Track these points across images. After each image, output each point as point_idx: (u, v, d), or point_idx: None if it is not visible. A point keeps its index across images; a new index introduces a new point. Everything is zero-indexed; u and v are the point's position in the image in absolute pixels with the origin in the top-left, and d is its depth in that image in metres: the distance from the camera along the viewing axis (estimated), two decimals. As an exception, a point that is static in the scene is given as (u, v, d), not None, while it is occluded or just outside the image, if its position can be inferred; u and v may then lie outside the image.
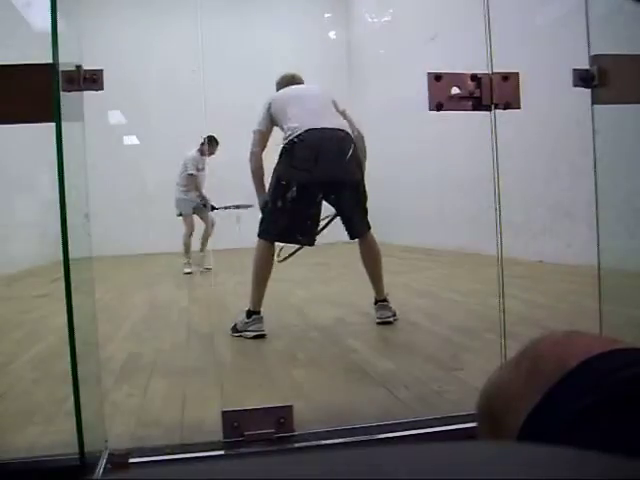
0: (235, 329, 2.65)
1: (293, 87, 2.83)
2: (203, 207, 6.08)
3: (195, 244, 6.18)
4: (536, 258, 5.07)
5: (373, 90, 8.91)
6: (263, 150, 2.79)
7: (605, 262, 1.34)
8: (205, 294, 4.52)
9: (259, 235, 2.68)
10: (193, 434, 1.45)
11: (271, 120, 2.77)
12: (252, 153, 2.79)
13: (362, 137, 2.80)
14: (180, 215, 6.15)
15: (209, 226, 6.20)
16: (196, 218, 6.23)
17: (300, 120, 2.63)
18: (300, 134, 2.59)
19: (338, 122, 2.70)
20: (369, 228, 2.77)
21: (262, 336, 2.58)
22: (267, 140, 2.80)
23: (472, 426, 0.59)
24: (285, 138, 2.65)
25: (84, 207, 1.32)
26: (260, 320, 2.60)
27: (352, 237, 2.82)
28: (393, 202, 7.96)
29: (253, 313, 2.61)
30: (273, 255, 2.70)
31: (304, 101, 2.73)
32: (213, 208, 6.16)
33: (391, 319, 2.75)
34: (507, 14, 3.81)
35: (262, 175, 2.80)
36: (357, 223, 2.77)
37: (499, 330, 1.38)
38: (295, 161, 2.60)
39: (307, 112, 2.67)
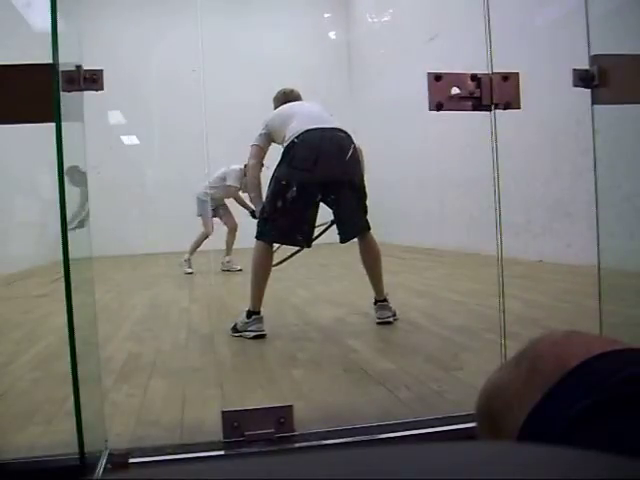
0: (235, 329, 2.66)
1: (290, 104, 2.83)
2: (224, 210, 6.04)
3: (207, 245, 6.07)
4: (536, 258, 5.07)
5: (373, 90, 8.91)
6: (260, 163, 2.83)
7: (605, 262, 1.34)
8: (205, 294, 4.52)
9: (257, 236, 2.68)
10: (193, 434, 1.45)
11: (268, 139, 2.80)
12: (249, 165, 2.84)
13: (361, 151, 2.81)
14: (200, 215, 6.05)
15: (231, 229, 6.13)
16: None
17: (300, 123, 2.64)
18: (300, 134, 2.60)
19: (338, 123, 2.71)
20: (369, 228, 2.77)
21: (262, 336, 2.58)
22: (265, 154, 2.84)
23: (472, 426, 0.59)
24: (285, 141, 2.66)
25: (82, 212, 1.32)
26: (260, 320, 2.60)
27: (345, 239, 2.81)
28: (393, 202, 7.97)
29: (253, 313, 2.62)
30: (272, 256, 2.70)
31: (302, 110, 2.75)
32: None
33: (391, 319, 2.75)
34: (507, 14, 3.81)
35: (259, 186, 2.83)
36: (357, 222, 2.77)
37: (499, 330, 1.38)
38: (295, 161, 2.60)
39: (306, 116, 2.69)
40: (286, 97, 2.92)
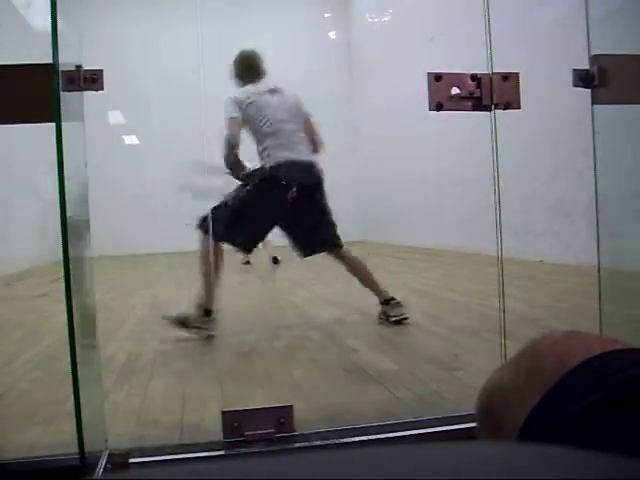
0: (181, 322, 2.63)
1: (264, 96, 2.78)
2: None
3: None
4: (536, 258, 5.07)
5: (373, 90, 8.91)
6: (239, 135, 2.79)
7: (605, 262, 1.34)
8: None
9: (205, 231, 2.66)
10: (193, 434, 1.45)
11: (240, 124, 2.76)
12: (229, 134, 2.75)
13: (322, 143, 2.84)
14: None
15: None
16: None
17: (274, 149, 2.71)
18: (273, 165, 2.68)
19: (309, 153, 2.79)
20: (340, 243, 2.81)
21: (212, 337, 2.61)
22: (240, 129, 2.79)
23: (472, 426, 0.59)
24: (260, 159, 2.74)
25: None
26: (212, 320, 2.64)
27: (309, 253, 2.84)
28: (393, 202, 7.96)
29: (204, 310, 2.63)
30: (219, 251, 2.69)
31: (279, 122, 2.74)
32: None
33: (407, 315, 2.74)
34: (507, 14, 3.81)
35: (237, 146, 2.76)
36: (320, 238, 2.79)
37: (499, 330, 1.38)
38: (267, 179, 2.67)
39: (280, 140, 2.72)
40: (249, 65, 2.88)
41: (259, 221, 2.72)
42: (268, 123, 2.74)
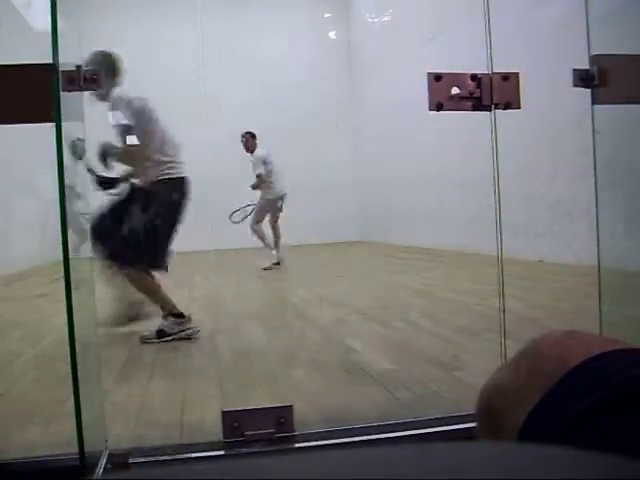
0: (160, 335, 2.63)
1: (147, 103, 2.76)
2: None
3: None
4: (536, 258, 5.07)
5: (373, 90, 8.91)
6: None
7: (605, 262, 1.34)
8: (205, 294, 4.52)
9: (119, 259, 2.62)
10: (193, 434, 1.45)
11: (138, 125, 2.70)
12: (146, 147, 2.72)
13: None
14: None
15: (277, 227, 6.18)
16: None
17: (175, 163, 2.75)
18: (181, 178, 2.69)
19: None
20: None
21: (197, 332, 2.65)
22: None
23: (472, 426, 0.59)
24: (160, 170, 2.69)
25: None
26: (189, 321, 2.66)
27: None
28: (393, 202, 7.97)
29: (174, 315, 2.65)
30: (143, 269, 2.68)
31: (168, 134, 2.82)
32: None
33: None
34: (507, 14, 3.81)
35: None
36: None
37: (499, 330, 1.38)
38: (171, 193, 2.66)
39: (176, 153, 2.78)
40: (118, 74, 2.82)
41: (170, 235, 2.68)
42: (163, 135, 2.73)
